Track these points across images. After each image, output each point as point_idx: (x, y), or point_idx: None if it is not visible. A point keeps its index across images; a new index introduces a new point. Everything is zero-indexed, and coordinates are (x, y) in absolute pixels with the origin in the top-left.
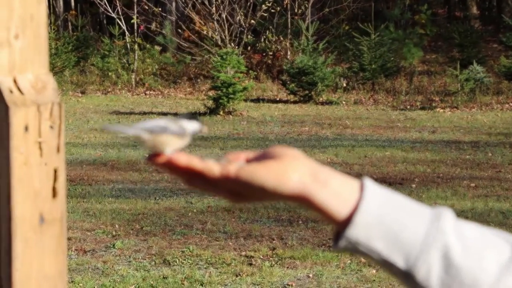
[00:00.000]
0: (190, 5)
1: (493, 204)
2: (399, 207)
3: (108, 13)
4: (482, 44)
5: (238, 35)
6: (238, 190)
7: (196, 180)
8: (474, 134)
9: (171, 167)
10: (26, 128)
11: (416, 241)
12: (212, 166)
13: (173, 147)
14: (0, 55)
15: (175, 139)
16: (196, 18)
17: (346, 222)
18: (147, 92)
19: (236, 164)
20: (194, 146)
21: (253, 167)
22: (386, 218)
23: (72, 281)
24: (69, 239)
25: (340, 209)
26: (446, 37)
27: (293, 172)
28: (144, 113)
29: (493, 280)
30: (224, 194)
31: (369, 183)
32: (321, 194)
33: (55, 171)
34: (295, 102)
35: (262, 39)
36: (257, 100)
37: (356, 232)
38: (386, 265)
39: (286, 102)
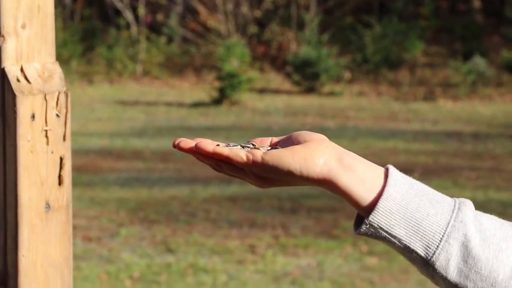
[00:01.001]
0: None
1: (493, 195)
2: (422, 195)
3: (115, 4)
4: (484, 37)
5: (243, 26)
6: (265, 175)
7: (223, 166)
8: (475, 125)
9: (199, 153)
10: (33, 117)
11: (437, 230)
12: (238, 152)
13: None
14: (7, 44)
15: None
16: (201, 9)
17: (370, 207)
18: (153, 82)
19: (262, 149)
20: (197, 137)
21: (279, 152)
22: (409, 206)
23: (77, 268)
24: (74, 227)
25: (364, 195)
26: (449, 29)
27: (319, 156)
28: (150, 103)
29: (509, 272)
30: (250, 179)
31: (393, 171)
32: (346, 178)
33: (61, 159)
34: (298, 93)
35: (267, 31)
36: (261, 91)
37: (379, 218)
38: (406, 252)
39: (290, 93)
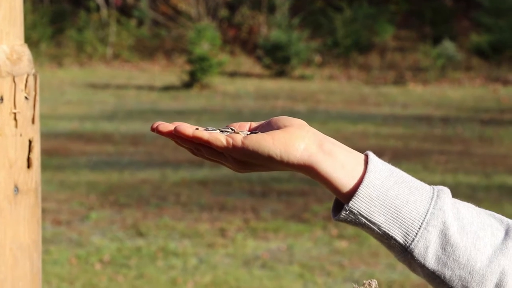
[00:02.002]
0: None
1: (462, 178)
2: (401, 183)
3: None
4: (454, 21)
5: (213, 9)
6: (244, 160)
7: (202, 150)
8: (444, 109)
9: (178, 137)
10: (1, 99)
11: (416, 217)
12: (218, 136)
13: None
14: None
15: None
16: None
17: (350, 194)
18: (123, 65)
19: (242, 133)
20: (168, 120)
21: (259, 137)
22: (389, 193)
23: (47, 252)
24: (44, 210)
25: (344, 181)
26: (419, 14)
27: (300, 141)
28: (120, 87)
29: (486, 261)
30: (229, 163)
31: (373, 157)
32: (326, 164)
33: (30, 142)
34: (269, 77)
35: (238, 14)
36: (232, 75)
37: (359, 204)
38: (385, 239)
39: (260, 76)
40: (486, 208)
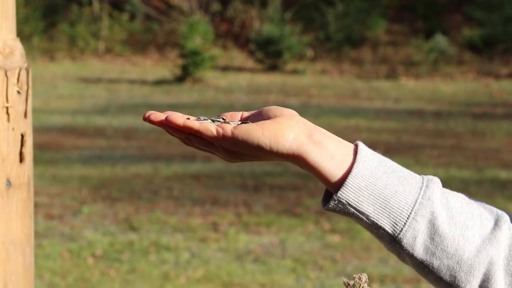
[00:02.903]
0: None
1: (454, 172)
2: (390, 173)
3: None
4: (446, 16)
5: (206, 3)
6: (234, 150)
7: (193, 139)
8: (436, 104)
9: (169, 126)
10: None
11: (405, 207)
12: (208, 126)
13: None
14: None
15: None
16: None
17: (339, 183)
18: (115, 59)
19: (232, 123)
20: None
21: (249, 127)
22: (377, 183)
23: (39, 246)
24: (36, 204)
25: (333, 171)
26: (411, 8)
27: (289, 131)
28: (112, 81)
29: (475, 250)
30: (220, 153)
31: (363, 147)
32: (315, 154)
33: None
34: (261, 71)
35: (230, 8)
36: (225, 69)
37: (348, 194)
38: (374, 229)
39: (253, 70)
40: None
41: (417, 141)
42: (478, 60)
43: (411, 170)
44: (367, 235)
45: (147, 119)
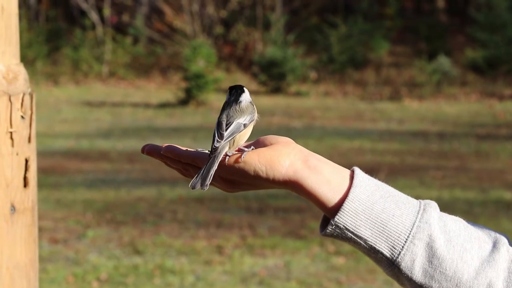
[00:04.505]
0: None
1: (459, 194)
2: (387, 197)
3: (80, 5)
4: (449, 37)
5: (209, 27)
6: (231, 178)
7: (190, 169)
8: (440, 125)
9: (167, 157)
10: None
11: (402, 230)
12: (205, 155)
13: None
14: None
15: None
16: (167, 9)
17: (335, 208)
18: (119, 83)
19: (228, 152)
20: (165, 137)
21: (245, 154)
22: (374, 207)
23: (44, 270)
24: (41, 228)
25: (330, 196)
26: (414, 29)
27: (285, 158)
28: (116, 104)
29: (473, 272)
30: (218, 183)
31: (359, 172)
32: (312, 179)
33: (27, 161)
34: (265, 93)
35: (233, 31)
36: None
37: (345, 219)
38: (372, 253)
39: (256, 93)
40: (483, 224)
41: (421, 162)
42: (482, 81)
43: (415, 192)
44: None
45: (144, 151)
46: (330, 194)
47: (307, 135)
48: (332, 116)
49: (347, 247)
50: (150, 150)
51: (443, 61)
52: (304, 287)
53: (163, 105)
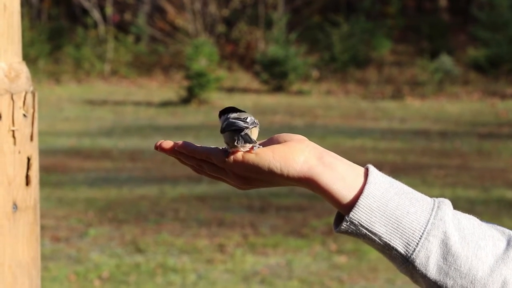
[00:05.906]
0: None
1: (461, 192)
2: (402, 194)
3: (82, 3)
4: (451, 36)
5: (211, 25)
6: (245, 175)
7: (204, 166)
8: (442, 123)
9: (180, 154)
10: (0, 117)
11: (417, 227)
12: (219, 150)
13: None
14: None
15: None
16: (169, 8)
17: (350, 205)
18: (121, 82)
19: (243, 149)
20: (167, 136)
21: (259, 150)
22: (389, 204)
23: (46, 269)
24: (43, 227)
25: (345, 193)
26: (416, 28)
27: (299, 154)
28: (118, 103)
29: (488, 270)
30: (231, 179)
31: (373, 170)
32: (326, 176)
33: (29, 159)
34: (267, 92)
35: (235, 30)
36: (230, 90)
37: (360, 215)
38: (386, 250)
39: (258, 92)
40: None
41: (423, 161)
42: (484, 80)
43: (417, 191)
44: (374, 255)
45: (158, 148)
46: (344, 190)
47: (309, 133)
48: (334, 114)
49: (349, 245)
50: (165, 147)
51: (445, 60)
52: (306, 285)
53: (165, 104)
